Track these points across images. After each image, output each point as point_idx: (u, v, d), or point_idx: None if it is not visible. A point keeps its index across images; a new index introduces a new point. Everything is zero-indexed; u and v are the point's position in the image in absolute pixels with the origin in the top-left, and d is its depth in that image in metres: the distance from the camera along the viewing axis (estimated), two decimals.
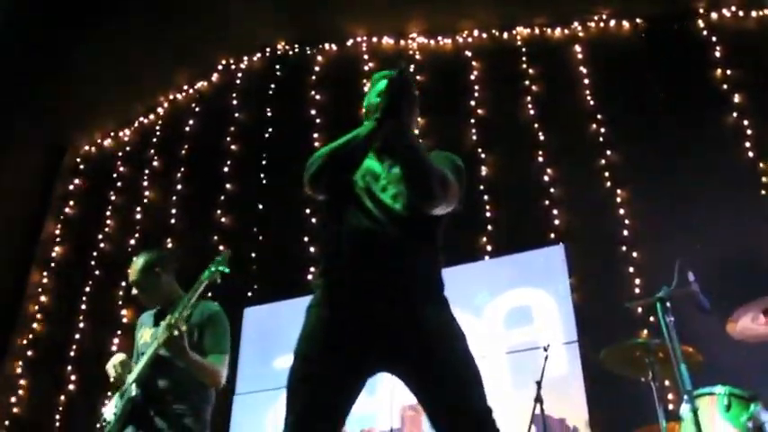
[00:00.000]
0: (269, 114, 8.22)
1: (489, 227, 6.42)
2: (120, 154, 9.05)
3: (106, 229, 8.51)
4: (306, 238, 7.15)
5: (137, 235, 8.20)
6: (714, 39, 6.60)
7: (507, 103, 7.10)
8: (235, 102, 8.52)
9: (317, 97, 8.05)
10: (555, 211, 6.32)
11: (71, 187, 9.12)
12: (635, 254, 5.85)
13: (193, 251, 7.18)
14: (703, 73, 6.46)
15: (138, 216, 8.36)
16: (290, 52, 8.59)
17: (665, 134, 6.13)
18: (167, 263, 3.80)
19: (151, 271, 3.73)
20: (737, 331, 4.14)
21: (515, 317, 5.80)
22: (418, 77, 7.29)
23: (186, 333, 3.48)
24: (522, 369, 5.09)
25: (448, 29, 7.78)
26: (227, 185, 7.98)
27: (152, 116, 9.08)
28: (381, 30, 8.08)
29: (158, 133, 8.91)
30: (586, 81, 6.86)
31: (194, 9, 7.87)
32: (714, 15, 6.72)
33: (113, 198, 8.71)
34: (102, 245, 8.41)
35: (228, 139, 8.27)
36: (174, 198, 8.21)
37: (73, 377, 7.58)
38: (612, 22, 7.10)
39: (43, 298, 8.37)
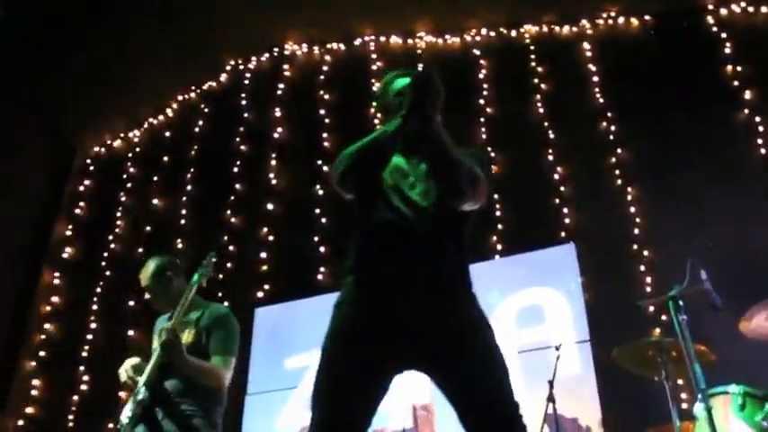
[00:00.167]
0: (277, 114, 8.23)
1: (499, 226, 6.41)
2: (129, 155, 9.07)
3: (116, 230, 8.54)
4: (316, 238, 7.16)
5: (147, 236, 8.22)
6: (724, 35, 6.56)
7: (516, 101, 7.08)
8: (243, 102, 8.53)
9: (326, 97, 8.05)
10: (565, 210, 6.30)
11: (81, 188, 9.15)
12: (646, 252, 5.83)
13: (203, 252, 7.17)
14: (713, 69, 6.43)
15: (148, 217, 8.38)
16: (298, 52, 8.60)
17: (676, 131, 6.10)
18: (178, 267, 3.80)
19: (162, 275, 3.75)
20: (751, 329, 4.12)
21: (527, 316, 5.78)
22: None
23: (194, 336, 3.55)
24: (534, 368, 5.07)
25: (455, 27, 7.78)
26: (237, 186, 7.99)
27: (161, 117, 9.11)
28: (389, 29, 8.09)
29: (167, 134, 8.93)
30: (595, 79, 6.84)
31: (202, 10, 7.88)
32: (724, 11, 6.68)
33: (123, 199, 8.73)
34: (112, 245, 8.44)
35: (237, 139, 8.28)
36: (184, 198, 8.23)
37: (85, 377, 7.61)
38: (621, 20, 7.08)
39: (55, 298, 8.40)
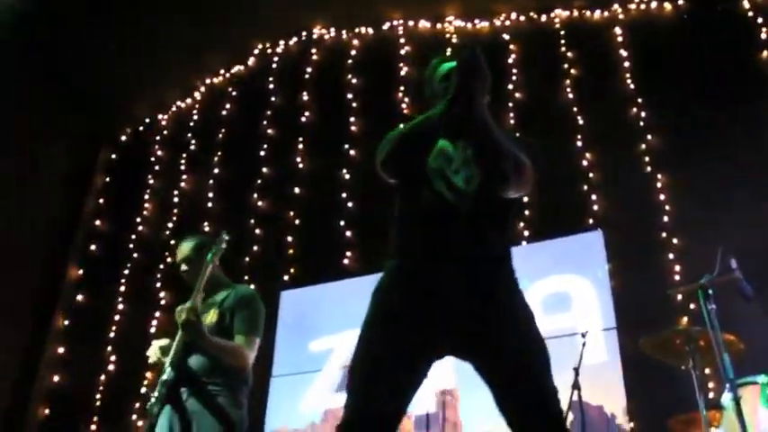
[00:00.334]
0: (305, 98, 8.22)
1: (527, 212, 6.36)
2: (157, 138, 9.13)
3: (144, 213, 8.60)
4: (342, 222, 7.16)
5: (174, 218, 8.28)
6: (760, 20, 6.43)
7: (545, 86, 7.01)
8: (271, 86, 8.53)
9: (353, 81, 8.03)
10: (593, 197, 6.24)
11: (110, 171, 9.23)
12: (675, 240, 5.76)
13: (230, 235, 7.20)
14: (748, 55, 6.31)
15: (176, 200, 8.44)
16: (326, 36, 8.58)
17: (708, 118, 5.99)
18: (218, 250, 3.80)
19: (202, 251, 3.77)
20: None
21: (553, 303, 5.74)
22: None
23: (218, 316, 3.60)
24: (560, 356, 5.00)
25: (485, 12, 7.71)
26: (264, 169, 8.01)
27: (189, 101, 9.15)
28: (418, 13, 8.03)
29: (195, 118, 8.97)
30: (626, 64, 6.75)
31: None
32: None
33: (151, 182, 8.79)
34: (140, 228, 8.51)
35: (265, 122, 8.30)
36: (211, 182, 8.27)
37: (113, 357, 7.70)
38: (654, 4, 6.97)
39: (83, 280, 8.50)
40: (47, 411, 7.73)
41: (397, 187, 2.51)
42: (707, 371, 4.49)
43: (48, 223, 8.56)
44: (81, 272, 8.56)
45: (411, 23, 8.08)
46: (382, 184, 2.58)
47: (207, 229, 7.75)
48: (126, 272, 8.21)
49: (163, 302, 7.59)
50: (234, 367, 3.50)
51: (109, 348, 7.75)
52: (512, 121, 6.88)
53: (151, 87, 9.05)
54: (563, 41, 7.17)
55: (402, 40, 8.01)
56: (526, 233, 6.29)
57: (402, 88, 7.62)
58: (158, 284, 7.79)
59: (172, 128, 9.14)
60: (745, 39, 6.39)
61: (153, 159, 8.95)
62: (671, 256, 5.70)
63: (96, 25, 8.00)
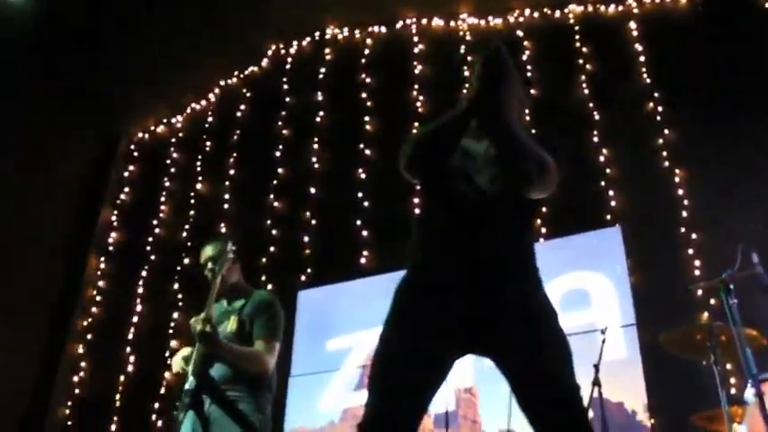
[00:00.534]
0: (319, 98, 8.23)
1: (544, 209, 6.31)
2: (173, 140, 9.17)
3: (161, 215, 8.64)
4: (358, 222, 7.16)
5: (191, 220, 8.31)
6: None
7: (561, 82, 6.98)
8: (285, 86, 8.55)
9: (367, 80, 8.03)
10: (611, 192, 6.20)
11: (126, 174, 9.30)
12: (694, 235, 5.71)
13: (247, 236, 7.24)
14: (764, 47, 6.23)
15: (192, 201, 8.47)
16: (340, 35, 8.58)
17: (725, 112, 5.93)
18: (240, 257, 3.85)
19: (228, 254, 3.76)
20: None
21: (572, 299, 5.72)
22: (469, 58, 7.20)
23: (237, 324, 3.61)
24: (580, 352, 4.98)
25: (498, 8, 7.68)
26: (279, 170, 8.03)
27: (204, 102, 9.19)
28: (431, 11, 8.02)
29: (210, 119, 9.00)
30: (642, 59, 6.69)
31: None
32: None
33: (167, 184, 8.83)
34: (156, 230, 8.54)
35: (280, 123, 8.31)
36: (227, 183, 8.30)
37: (132, 358, 7.73)
38: None
39: (101, 282, 8.55)
40: (67, 412, 7.78)
41: (420, 187, 2.50)
42: (728, 366, 4.45)
43: (66, 222, 8.62)
44: (99, 273, 8.61)
45: (424, 21, 8.06)
46: (398, 183, 2.58)
47: (223, 230, 7.78)
48: (144, 274, 8.25)
49: (180, 304, 7.62)
50: (254, 373, 3.51)
51: (128, 349, 7.80)
52: (527, 118, 6.84)
53: (167, 90, 9.09)
54: (578, 37, 7.13)
55: (416, 39, 8.00)
56: (544, 230, 6.26)
57: (416, 86, 7.61)
58: (176, 286, 7.82)
59: (187, 130, 9.18)
60: (761, 30, 6.31)
61: (169, 162, 8.99)
62: (690, 251, 5.65)
63: (111, 28, 8.04)
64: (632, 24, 6.93)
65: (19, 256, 7.70)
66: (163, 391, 7.19)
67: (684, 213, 5.84)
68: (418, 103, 7.46)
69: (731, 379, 4.81)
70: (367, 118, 7.73)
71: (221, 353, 3.47)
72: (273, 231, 7.63)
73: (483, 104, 2.24)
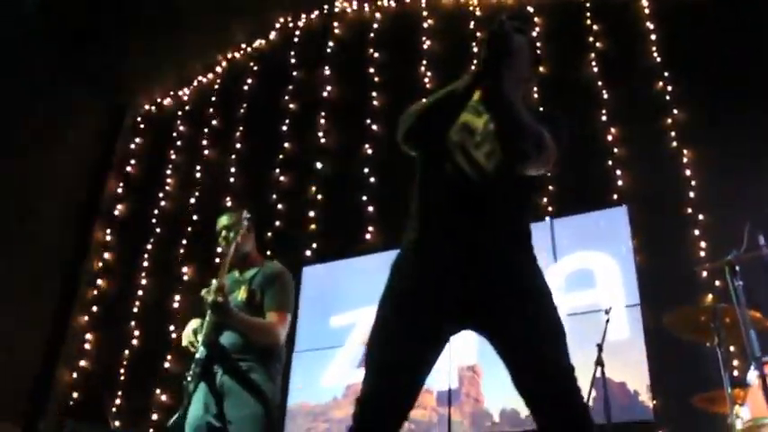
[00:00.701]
0: (327, 73, 8.18)
1: (551, 187, 6.30)
2: (179, 113, 9.15)
3: (167, 188, 8.64)
4: (364, 198, 7.14)
5: (196, 193, 8.31)
6: None
7: (570, 60, 6.91)
8: (293, 60, 8.50)
9: (375, 55, 7.97)
10: (618, 172, 6.16)
11: (132, 146, 9.29)
12: (701, 216, 5.68)
13: (252, 210, 7.22)
14: None
15: (198, 174, 8.46)
16: (348, 10, 8.51)
17: (735, 91, 5.86)
18: (255, 230, 3.87)
19: (243, 223, 3.77)
20: None
21: (577, 279, 5.70)
22: (478, 34, 7.13)
23: (247, 294, 3.61)
24: (583, 332, 5.00)
25: None
26: (286, 144, 8.00)
27: (211, 75, 9.15)
28: None
29: (217, 92, 8.96)
30: (653, 37, 6.62)
31: None
32: None
33: (173, 157, 8.83)
34: (162, 203, 8.55)
35: (287, 97, 8.28)
36: (233, 156, 8.28)
37: (136, 332, 7.77)
38: None
39: (107, 255, 8.58)
40: (72, 387, 7.82)
41: (417, 160, 2.48)
42: (732, 348, 4.44)
43: (73, 193, 8.63)
44: (104, 245, 8.63)
45: None
46: (405, 159, 2.56)
47: (229, 204, 7.77)
48: (149, 247, 8.27)
49: (185, 278, 7.64)
50: (265, 344, 3.51)
51: (132, 323, 7.82)
52: (535, 95, 6.79)
53: (173, 62, 9.06)
54: (588, 14, 7.05)
55: (425, 14, 7.92)
56: (550, 209, 6.23)
57: (425, 62, 7.56)
58: (181, 260, 7.84)
59: (194, 102, 9.15)
60: None
61: (175, 134, 8.97)
62: (696, 232, 5.62)
63: (118, 1, 8.00)
64: (644, 2, 6.84)
65: (27, 226, 7.71)
66: (168, 366, 7.21)
67: (691, 194, 5.80)
68: (426, 79, 7.41)
69: (734, 361, 4.80)
70: (374, 93, 7.69)
71: (233, 323, 3.48)
72: (279, 206, 7.63)
73: (485, 80, 2.22)
